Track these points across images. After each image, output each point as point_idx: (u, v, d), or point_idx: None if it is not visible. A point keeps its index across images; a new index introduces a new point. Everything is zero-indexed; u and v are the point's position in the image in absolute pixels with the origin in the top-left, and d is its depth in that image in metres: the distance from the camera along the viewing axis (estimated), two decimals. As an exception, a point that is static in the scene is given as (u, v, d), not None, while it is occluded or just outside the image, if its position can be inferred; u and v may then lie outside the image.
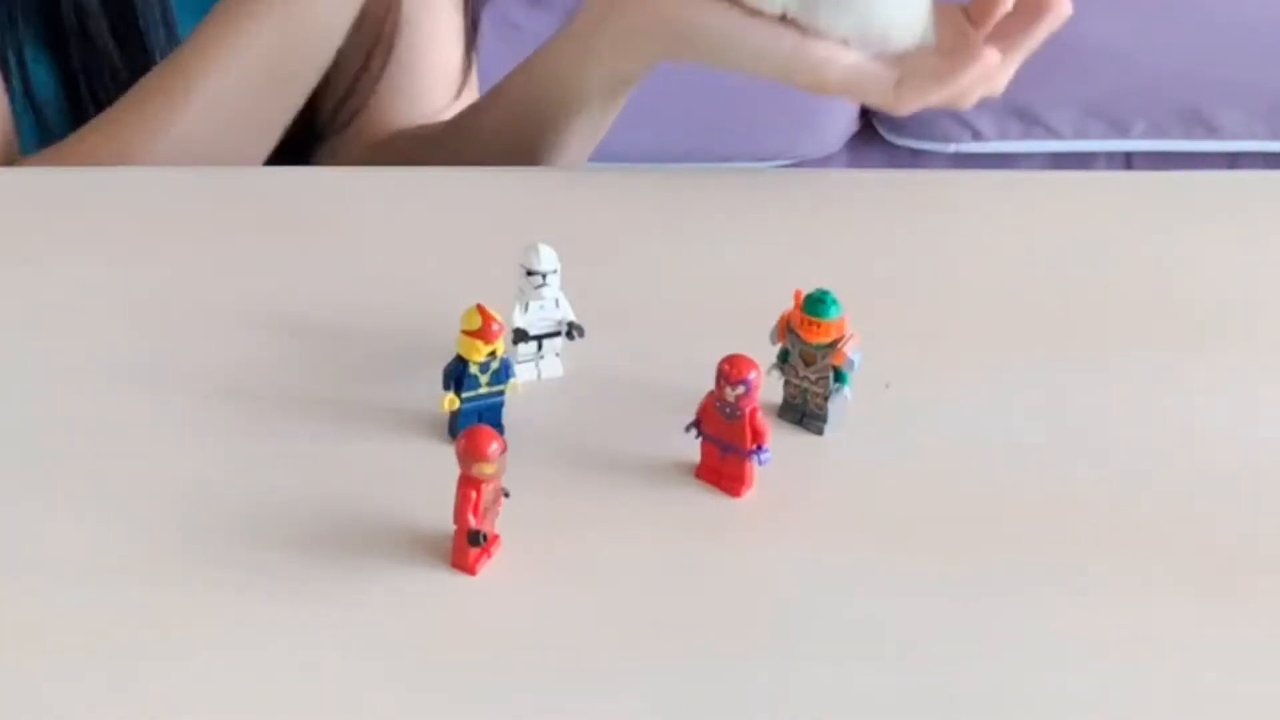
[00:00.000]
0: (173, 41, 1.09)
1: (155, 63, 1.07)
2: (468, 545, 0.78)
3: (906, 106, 0.94)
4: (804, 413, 0.86)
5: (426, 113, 1.16)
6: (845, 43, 0.94)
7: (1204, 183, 1.15)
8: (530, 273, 0.86)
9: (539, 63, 1.06)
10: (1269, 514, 0.84)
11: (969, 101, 0.94)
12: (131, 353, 0.90)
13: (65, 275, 0.94)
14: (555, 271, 0.86)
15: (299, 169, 1.11)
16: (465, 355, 0.83)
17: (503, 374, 0.84)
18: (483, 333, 0.82)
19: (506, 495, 0.78)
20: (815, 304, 0.85)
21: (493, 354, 0.83)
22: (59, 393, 0.87)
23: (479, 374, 0.83)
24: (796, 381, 0.86)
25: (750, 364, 0.81)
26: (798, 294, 0.85)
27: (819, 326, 0.85)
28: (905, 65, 0.94)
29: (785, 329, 0.86)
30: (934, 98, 0.93)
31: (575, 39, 1.03)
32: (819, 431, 0.86)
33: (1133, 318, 0.95)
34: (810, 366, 0.85)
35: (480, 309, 0.83)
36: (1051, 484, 0.85)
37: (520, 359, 0.86)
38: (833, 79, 0.95)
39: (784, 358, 0.86)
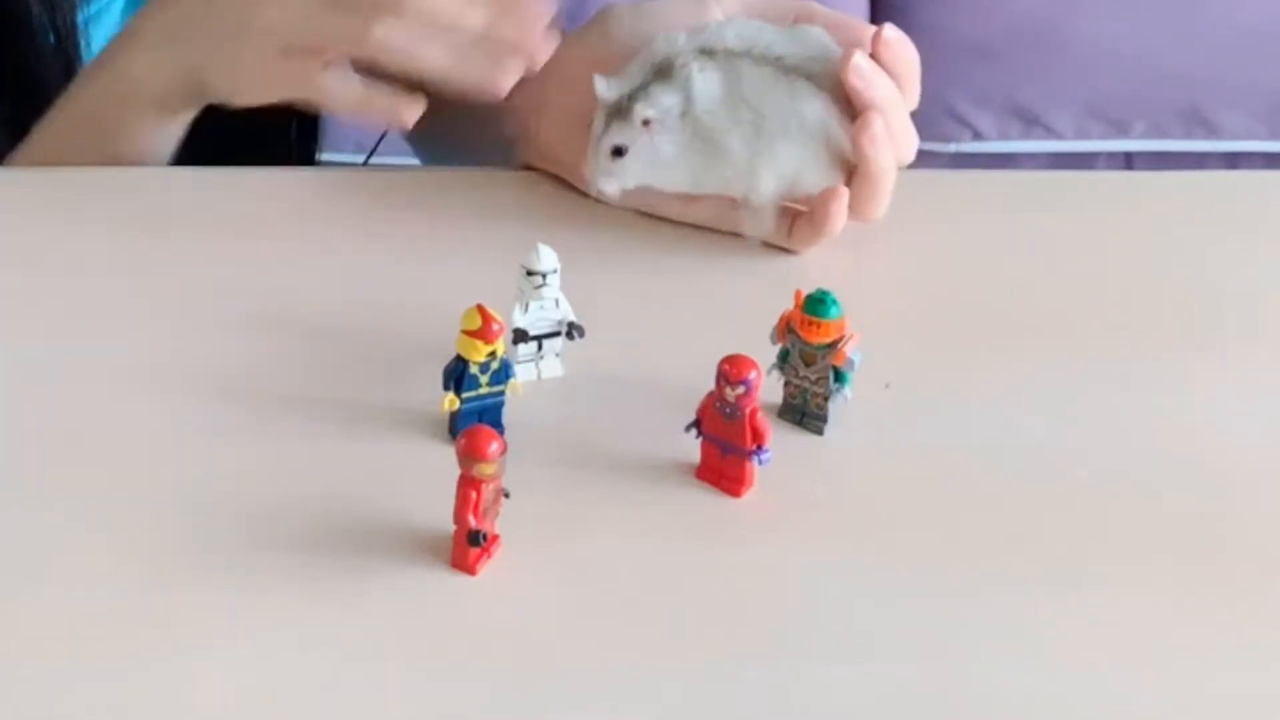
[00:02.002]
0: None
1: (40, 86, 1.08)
2: (468, 545, 0.78)
3: (800, 249, 0.97)
4: (804, 413, 0.86)
5: None
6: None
7: (1204, 183, 1.15)
8: (530, 273, 0.86)
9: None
10: (1271, 514, 0.84)
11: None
12: (131, 352, 0.90)
13: (65, 275, 0.94)
14: (555, 271, 0.86)
15: (299, 169, 1.11)
16: (465, 355, 0.83)
17: (503, 374, 0.84)
18: (483, 333, 0.82)
19: (507, 495, 0.78)
20: (815, 304, 0.85)
21: (493, 354, 0.83)
22: (59, 393, 0.87)
23: (479, 374, 0.83)
24: (797, 381, 0.86)
25: (750, 364, 0.81)
26: (798, 294, 0.85)
27: (819, 326, 0.85)
28: (791, 213, 0.97)
29: (785, 329, 0.86)
30: (821, 239, 0.96)
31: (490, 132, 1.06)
32: (819, 431, 0.86)
33: (1132, 318, 0.95)
34: (810, 366, 0.85)
35: (480, 309, 0.83)
36: (1052, 484, 0.85)
37: (520, 359, 0.86)
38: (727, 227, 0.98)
39: (784, 358, 0.86)
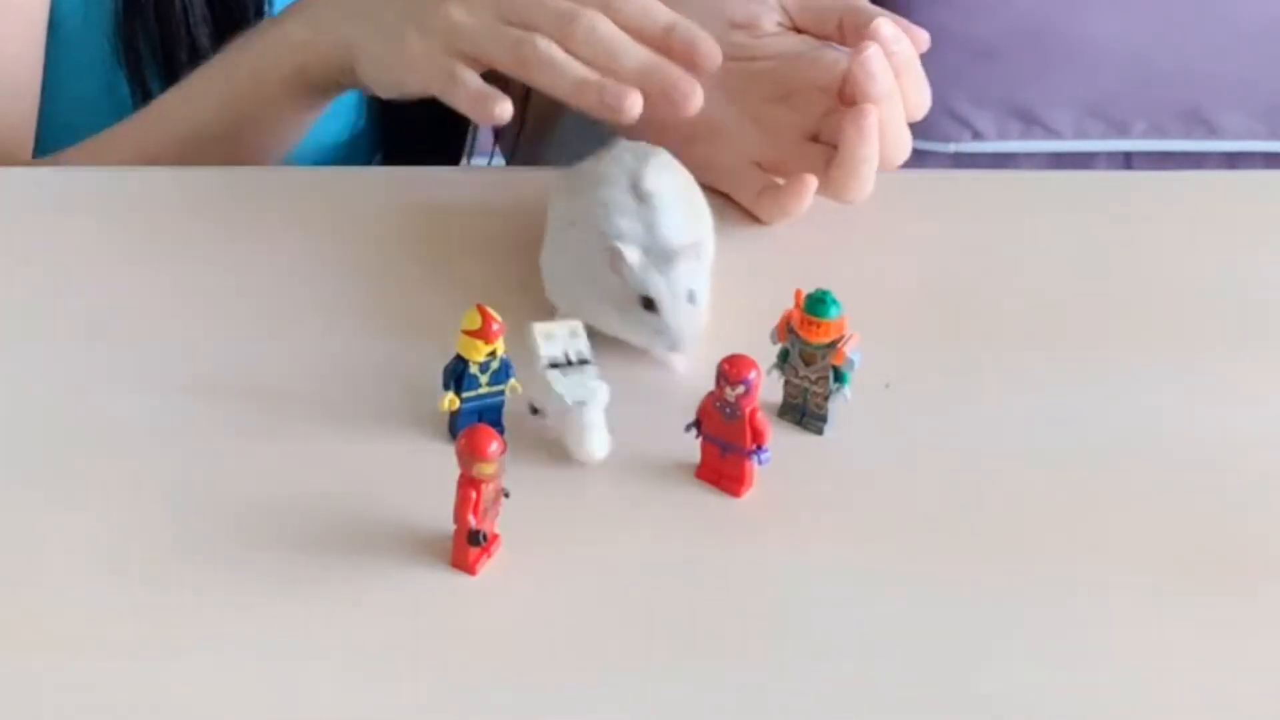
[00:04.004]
0: None
1: None
2: (468, 545, 0.78)
3: (765, 217, 0.98)
4: (804, 413, 0.86)
5: None
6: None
7: (1204, 183, 1.15)
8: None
9: None
10: (1270, 514, 0.84)
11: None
12: (131, 352, 0.89)
13: (65, 275, 0.94)
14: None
15: (298, 169, 1.11)
16: (465, 355, 0.83)
17: (503, 374, 0.84)
18: (483, 333, 0.82)
19: (506, 495, 0.78)
20: (815, 304, 0.85)
21: (493, 354, 0.83)
22: (59, 392, 0.87)
23: (479, 374, 0.83)
24: (797, 381, 0.86)
25: (750, 364, 0.81)
26: (798, 294, 0.85)
27: (819, 326, 0.85)
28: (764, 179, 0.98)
29: (785, 329, 0.86)
30: (785, 218, 0.97)
31: None
32: (819, 431, 0.86)
33: (1132, 318, 0.95)
34: (810, 366, 0.85)
35: (480, 309, 0.83)
36: (1051, 483, 0.85)
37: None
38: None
39: (784, 358, 0.86)
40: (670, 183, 0.90)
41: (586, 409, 0.82)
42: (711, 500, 0.83)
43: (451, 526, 0.78)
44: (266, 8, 1.12)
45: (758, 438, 0.82)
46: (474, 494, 0.77)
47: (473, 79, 0.94)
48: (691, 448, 0.83)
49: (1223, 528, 0.83)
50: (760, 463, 0.82)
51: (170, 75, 1.10)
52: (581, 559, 0.80)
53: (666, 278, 0.86)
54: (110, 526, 0.80)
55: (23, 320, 0.92)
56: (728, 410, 0.81)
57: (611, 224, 0.88)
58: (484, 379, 0.83)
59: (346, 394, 0.87)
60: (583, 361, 0.83)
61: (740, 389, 0.81)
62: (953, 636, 0.77)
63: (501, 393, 0.84)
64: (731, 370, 0.81)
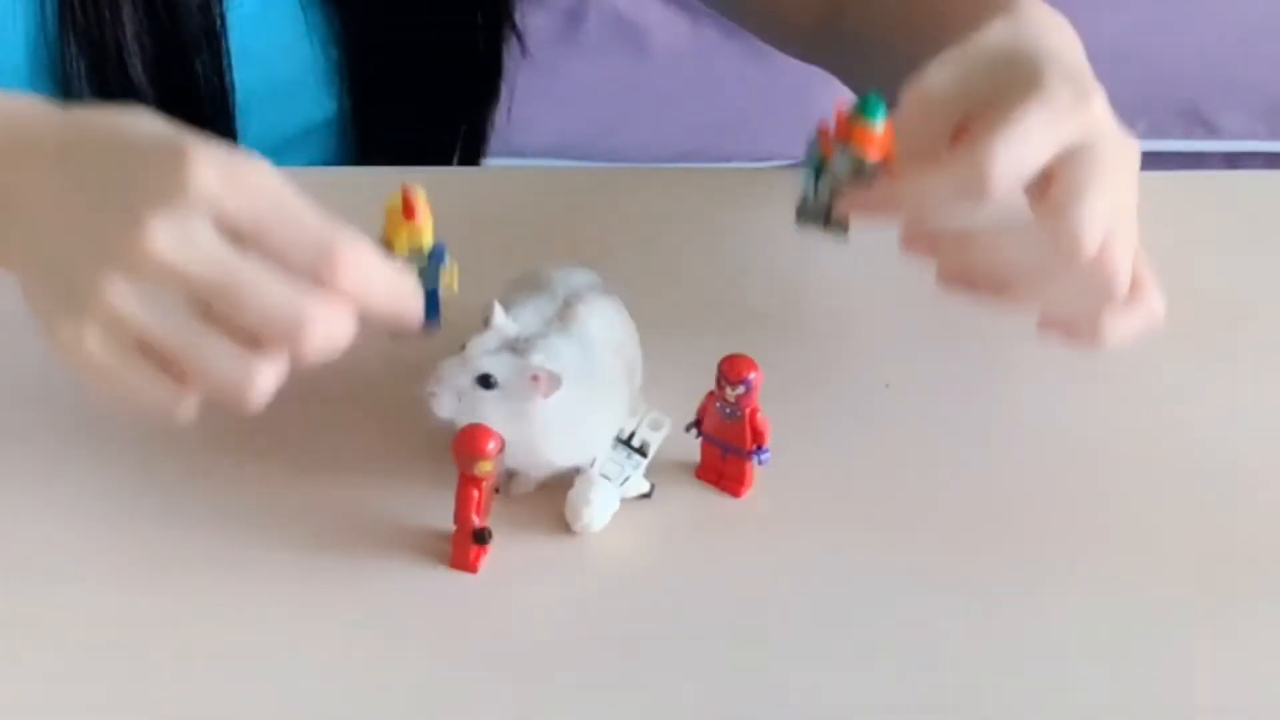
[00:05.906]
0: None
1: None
2: (472, 543, 0.78)
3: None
4: (828, 219, 0.81)
5: None
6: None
7: (1204, 183, 1.15)
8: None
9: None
10: (1269, 513, 0.84)
11: None
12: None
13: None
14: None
15: (298, 169, 1.11)
16: (392, 241, 0.78)
17: (438, 257, 0.79)
18: (407, 212, 0.78)
19: (497, 491, 0.79)
20: (868, 106, 0.78)
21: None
22: (57, 391, 0.87)
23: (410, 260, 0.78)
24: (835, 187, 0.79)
25: (750, 364, 0.81)
26: (839, 105, 0.79)
27: (870, 136, 0.78)
28: None
29: (832, 143, 0.79)
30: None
31: None
32: (843, 239, 0.81)
33: (1133, 318, 0.95)
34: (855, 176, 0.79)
35: (406, 190, 0.78)
36: (1052, 483, 0.85)
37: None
38: None
39: (818, 172, 0.80)
40: (601, 324, 0.81)
41: (603, 483, 0.80)
42: (711, 500, 0.83)
43: (451, 526, 0.78)
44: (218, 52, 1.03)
45: (758, 438, 0.82)
46: (475, 493, 0.77)
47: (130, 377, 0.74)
48: (691, 448, 0.83)
49: (1221, 527, 0.83)
50: (760, 463, 0.82)
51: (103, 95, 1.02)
52: (581, 559, 0.80)
53: (489, 354, 0.78)
54: (109, 527, 0.80)
55: (23, 320, 0.92)
56: (728, 410, 0.82)
57: (521, 310, 0.81)
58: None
59: (346, 393, 0.87)
60: (641, 451, 0.82)
61: (740, 389, 0.81)
62: (953, 636, 0.77)
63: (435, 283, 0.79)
64: (731, 370, 0.81)
